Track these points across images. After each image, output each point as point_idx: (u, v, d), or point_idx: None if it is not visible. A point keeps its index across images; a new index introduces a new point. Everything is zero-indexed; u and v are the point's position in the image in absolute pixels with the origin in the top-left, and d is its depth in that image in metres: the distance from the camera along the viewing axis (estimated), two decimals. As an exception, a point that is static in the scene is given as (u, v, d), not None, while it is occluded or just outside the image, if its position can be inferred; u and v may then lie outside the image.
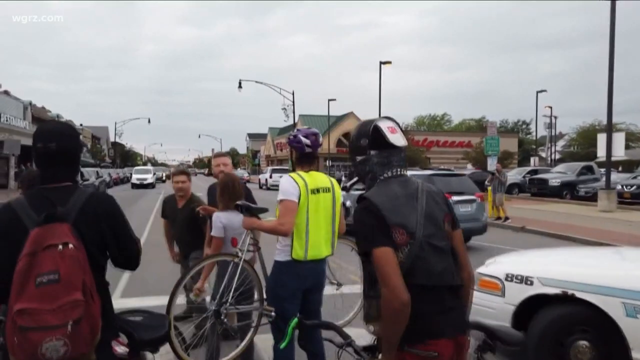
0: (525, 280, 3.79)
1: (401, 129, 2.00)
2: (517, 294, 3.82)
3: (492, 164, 17.04)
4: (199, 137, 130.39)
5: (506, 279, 3.91)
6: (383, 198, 1.82)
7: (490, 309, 3.91)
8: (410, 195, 1.87)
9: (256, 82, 38.30)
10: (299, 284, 3.14)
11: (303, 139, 3.16)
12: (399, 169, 1.95)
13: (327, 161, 50.44)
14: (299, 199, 3.03)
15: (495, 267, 4.19)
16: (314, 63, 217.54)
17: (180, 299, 3.72)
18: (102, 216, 1.94)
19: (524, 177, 26.24)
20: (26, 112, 41.33)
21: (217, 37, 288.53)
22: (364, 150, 1.95)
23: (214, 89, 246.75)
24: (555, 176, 24.15)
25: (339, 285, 3.80)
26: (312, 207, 3.09)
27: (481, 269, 4.20)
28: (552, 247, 10.26)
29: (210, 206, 4.29)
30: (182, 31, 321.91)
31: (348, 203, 3.92)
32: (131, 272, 7.46)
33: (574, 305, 3.58)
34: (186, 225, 4.78)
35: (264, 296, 3.30)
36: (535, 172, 27.19)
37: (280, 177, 3.19)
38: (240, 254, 3.26)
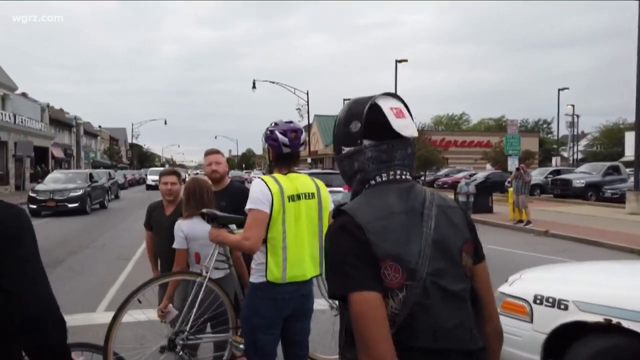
0: (558, 304, 3.13)
1: (410, 114, 1.37)
2: (549, 320, 3.16)
3: (512, 164, 16.22)
4: (215, 138, 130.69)
5: (535, 302, 3.25)
6: (371, 213, 1.23)
7: (516, 336, 3.25)
8: (412, 212, 1.26)
9: (270, 82, 37.92)
10: (276, 312, 2.55)
11: (280, 136, 2.58)
12: (401, 171, 1.34)
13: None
14: (271, 208, 2.46)
15: (521, 285, 3.53)
16: (331, 63, 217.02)
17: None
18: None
19: (546, 177, 25.24)
20: (43, 114, 41.64)
21: (235, 37, 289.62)
22: (353, 139, 1.34)
23: (231, 89, 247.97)
24: (579, 177, 23.14)
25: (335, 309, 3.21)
26: (289, 217, 2.51)
27: (504, 288, 3.55)
28: (578, 253, 9.53)
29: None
30: (201, 32, 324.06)
31: None
32: (122, 282, 6.94)
33: (620, 336, 2.91)
34: (172, 239, 4.06)
35: (238, 324, 2.73)
36: (557, 172, 26.17)
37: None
38: (204, 271, 2.70)
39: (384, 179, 1.32)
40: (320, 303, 3.27)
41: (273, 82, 38.00)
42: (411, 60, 35.21)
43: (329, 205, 2.70)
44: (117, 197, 26.09)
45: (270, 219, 2.46)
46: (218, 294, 2.80)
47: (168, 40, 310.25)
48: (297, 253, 2.54)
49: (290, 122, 2.67)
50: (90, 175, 19.43)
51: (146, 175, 41.50)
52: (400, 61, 35.42)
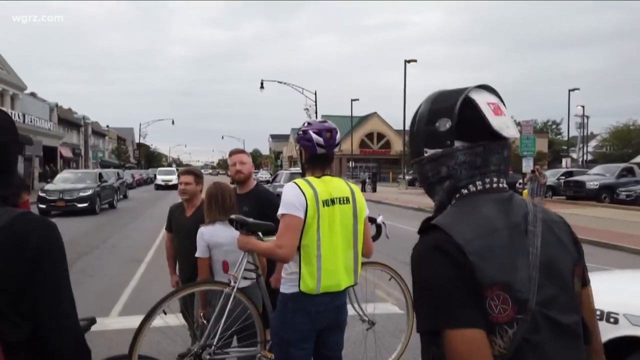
0: (607, 317, 2.92)
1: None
2: (596, 334, 2.95)
3: (527, 165, 15.93)
4: (222, 138, 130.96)
5: (580, 314, 3.04)
6: (470, 230, 1.03)
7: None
8: (515, 228, 1.05)
9: (278, 82, 37.84)
10: (309, 324, 2.37)
11: (314, 136, 2.40)
12: (498, 178, 1.14)
13: (350, 162, 49.64)
14: (306, 214, 2.29)
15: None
16: (339, 63, 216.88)
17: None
18: (25, 252, 1.05)
19: (558, 179, 24.89)
20: (52, 113, 41.78)
21: (243, 38, 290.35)
22: (440, 140, 1.12)
23: (238, 90, 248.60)
24: (592, 178, 22.78)
25: (371, 323, 3.03)
26: (324, 224, 2.33)
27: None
28: (599, 257, 9.26)
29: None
30: (208, 33, 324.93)
31: (380, 218, 3.09)
32: (134, 286, 6.79)
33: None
34: (192, 241, 3.81)
35: (268, 337, 2.56)
36: (570, 174, 25.81)
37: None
38: (232, 281, 2.52)
39: (478, 187, 1.12)
40: (351, 314, 3.09)
41: (281, 82, 37.93)
42: (419, 61, 34.95)
43: (364, 211, 2.52)
44: (125, 196, 26.04)
45: (304, 226, 2.29)
46: (246, 305, 2.62)
47: (175, 41, 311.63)
48: (331, 262, 2.36)
49: (325, 121, 2.50)
50: (100, 175, 19.36)
51: (155, 175, 41.48)
52: (409, 61, 35.22)
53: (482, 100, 1.11)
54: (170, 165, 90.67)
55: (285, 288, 2.39)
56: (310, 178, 2.41)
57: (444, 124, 1.12)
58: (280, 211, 2.31)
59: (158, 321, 2.80)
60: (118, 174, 25.68)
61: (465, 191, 1.13)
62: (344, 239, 2.41)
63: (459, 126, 1.10)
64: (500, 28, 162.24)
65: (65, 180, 18.27)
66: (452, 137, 1.11)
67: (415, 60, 35.09)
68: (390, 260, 8.62)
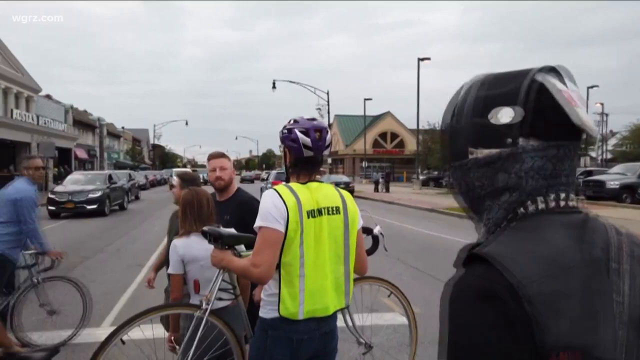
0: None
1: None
2: None
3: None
4: (236, 138, 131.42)
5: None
6: (532, 267, 0.72)
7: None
8: (594, 265, 0.74)
9: (290, 81, 37.64)
10: (292, 355, 2.04)
11: (301, 136, 2.07)
12: (568, 193, 0.84)
13: (364, 162, 49.23)
14: (286, 226, 1.96)
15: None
16: (352, 63, 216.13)
17: None
18: None
19: (577, 178, 24.22)
20: (67, 115, 42.14)
21: (256, 39, 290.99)
22: (499, 137, 0.82)
23: (252, 90, 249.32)
24: (613, 178, 22.08)
25: (368, 347, 2.70)
26: (309, 238, 2.01)
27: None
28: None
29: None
30: (223, 34, 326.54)
31: (377, 229, 2.73)
32: (131, 294, 6.57)
33: None
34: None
35: None
36: (589, 173, 25.12)
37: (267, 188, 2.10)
38: (204, 303, 2.23)
39: (548, 205, 0.81)
40: (344, 337, 2.77)
41: (292, 82, 37.72)
42: (434, 60, 34.46)
43: (357, 222, 2.19)
44: (137, 198, 26.02)
45: (284, 240, 1.97)
46: (222, 330, 2.31)
47: (190, 42, 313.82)
48: (317, 282, 2.03)
49: (313, 119, 2.16)
50: (110, 177, 19.29)
51: (170, 175, 41.55)
52: (422, 59, 34.68)
53: (555, 85, 0.79)
54: (184, 165, 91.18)
55: (264, 312, 2.07)
56: (293, 184, 2.09)
57: (507, 115, 0.80)
58: (257, 223, 1.99)
59: (136, 333, 2.51)
60: (130, 175, 25.65)
61: (532, 210, 0.81)
62: (333, 255, 2.09)
63: (530, 118, 0.79)
64: (516, 26, 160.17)
65: (74, 182, 18.22)
66: (516, 134, 0.80)
67: (428, 59, 34.54)
68: (397, 262, 8.28)
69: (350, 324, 2.69)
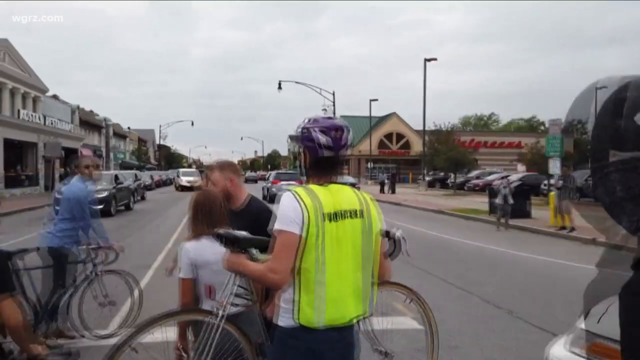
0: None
1: None
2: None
3: (554, 167, 15.22)
4: (242, 139, 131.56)
5: (636, 346, 2.56)
6: None
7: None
8: None
9: (296, 82, 37.61)
10: None
11: (319, 135, 1.98)
12: None
13: (369, 163, 49.08)
14: (306, 230, 1.87)
15: (615, 322, 2.82)
16: (360, 64, 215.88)
17: None
18: None
19: (586, 180, 23.94)
20: (73, 115, 42.28)
21: (264, 40, 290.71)
22: None
23: (258, 91, 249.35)
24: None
25: (387, 355, 2.61)
26: (329, 242, 1.92)
27: (590, 324, 2.86)
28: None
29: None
30: (230, 35, 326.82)
31: (398, 232, 2.63)
32: (137, 296, 6.55)
33: None
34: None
35: None
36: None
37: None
38: (218, 310, 2.16)
39: None
40: (366, 346, 2.67)
41: (298, 83, 37.70)
42: (442, 61, 34.33)
43: (379, 226, 2.09)
44: (143, 198, 26.01)
45: (303, 245, 1.88)
46: (237, 338, 2.23)
47: (197, 43, 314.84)
48: (337, 289, 1.94)
49: (331, 117, 2.07)
50: (116, 177, 19.27)
51: (177, 175, 41.49)
52: (429, 60, 34.53)
53: None
54: (190, 166, 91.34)
55: (282, 320, 1.97)
56: (313, 186, 1.99)
57: None
58: (275, 227, 1.90)
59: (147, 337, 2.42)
60: (135, 175, 25.66)
61: None
62: (354, 261, 1.99)
63: None
64: (524, 26, 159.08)
65: (81, 182, 18.19)
66: None
67: (435, 59, 34.38)
68: (406, 266, 8.16)
69: (365, 328, 2.61)
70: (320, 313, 1.89)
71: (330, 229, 1.91)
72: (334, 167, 2.03)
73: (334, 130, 1.99)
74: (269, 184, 25.25)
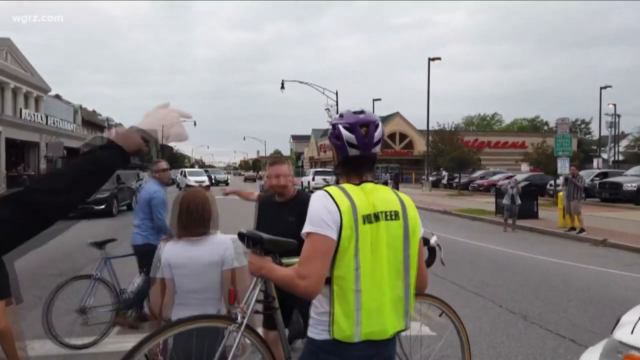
0: None
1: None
2: None
3: (562, 167, 14.99)
4: (244, 139, 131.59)
5: (678, 361, 2.35)
6: None
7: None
8: None
9: (299, 82, 37.42)
10: None
11: (344, 132, 1.82)
12: None
13: (372, 163, 48.82)
14: (340, 232, 1.70)
15: (651, 334, 2.61)
16: (363, 64, 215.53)
17: None
18: None
19: (592, 180, 23.71)
20: (76, 115, 42.26)
21: (267, 40, 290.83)
22: None
23: (261, 91, 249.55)
24: (630, 180, 21.60)
25: None
26: (365, 247, 1.74)
27: (624, 335, 2.65)
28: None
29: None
30: (234, 35, 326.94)
31: (434, 239, 2.47)
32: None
33: None
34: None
35: None
36: (605, 175, 24.60)
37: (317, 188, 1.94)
38: (239, 316, 2.06)
39: None
40: None
41: (301, 82, 37.49)
42: (445, 61, 34.20)
43: (418, 229, 1.90)
44: (145, 198, 25.85)
45: (337, 250, 1.70)
46: (258, 348, 2.10)
47: (200, 43, 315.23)
48: (375, 298, 1.75)
49: (361, 112, 1.88)
50: (118, 177, 19.12)
51: (183, 175, 41.32)
52: (433, 59, 34.35)
53: None
54: (192, 166, 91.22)
55: (315, 333, 1.79)
56: (346, 185, 1.81)
57: None
58: (305, 229, 1.73)
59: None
60: (138, 175, 25.50)
61: None
62: (392, 268, 1.81)
63: None
64: (528, 26, 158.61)
65: (82, 182, 18.05)
66: None
67: (439, 58, 34.19)
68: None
69: (404, 350, 2.46)
70: (356, 325, 1.72)
71: (366, 231, 1.74)
72: (364, 166, 1.86)
73: (361, 125, 1.82)
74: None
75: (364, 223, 1.73)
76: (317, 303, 1.80)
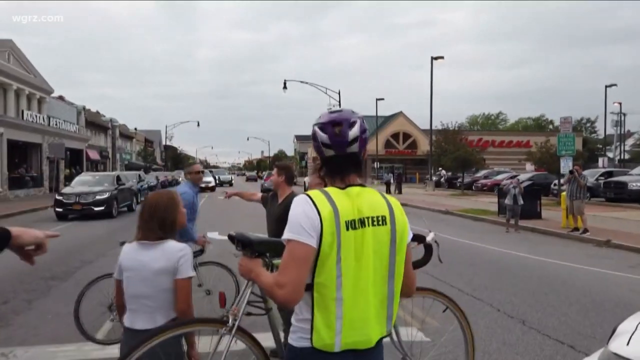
0: None
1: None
2: None
3: (565, 166, 14.80)
4: (248, 139, 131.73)
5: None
6: None
7: None
8: None
9: (301, 82, 37.35)
10: None
11: (319, 132, 1.75)
12: None
13: (375, 163, 48.70)
14: (320, 239, 1.61)
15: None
16: (367, 63, 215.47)
17: None
18: None
19: (597, 179, 23.47)
20: (79, 116, 42.32)
21: (271, 40, 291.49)
22: None
23: (264, 91, 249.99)
24: (635, 179, 21.38)
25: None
26: (347, 254, 1.65)
27: (618, 347, 2.50)
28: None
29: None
30: (237, 36, 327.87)
31: (430, 236, 2.37)
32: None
33: None
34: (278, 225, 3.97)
35: None
36: (609, 174, 24.36)
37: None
38: (231, 319, 2.07)
39: None
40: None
41: (303, 82, 37.42)
42: (449, 60, 34.01)
43: (406, 235, 1.80)
44: (147, 199, 25.82)
45: (317, 257, 1.62)
46: (252, 350, 2.09)
47: (204, 44, 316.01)
48: (358, 307, 1.67)
49: (339, 110, 1.80)
50: (118, 178, 19.10)
51: (184, 174, 41.52)
52: (436, 58, 34.17)
53: None
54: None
55: (295, 339, 1.70)
56: (330, 189, 1.72)
57: None
58: (285, 235, 1.65)
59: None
60: (139, 176, 25.47)
61: None
62: (378, 275, 1.71)
63: None
64: (532, 25, 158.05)
65: (82, 184, 18.07)
66: None
67: (442, 57, 33.99)
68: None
69: (395, 339, 2.40)
70: (337, 335, 1.64)
71: (349, 238, 1.65)
72: (347, 167, 1.76)
73: (333, 125, 1.72)
74: (264, 183, 25.88)
75: (348, 229, 1.64)
76: (297, 310, 1.73)
